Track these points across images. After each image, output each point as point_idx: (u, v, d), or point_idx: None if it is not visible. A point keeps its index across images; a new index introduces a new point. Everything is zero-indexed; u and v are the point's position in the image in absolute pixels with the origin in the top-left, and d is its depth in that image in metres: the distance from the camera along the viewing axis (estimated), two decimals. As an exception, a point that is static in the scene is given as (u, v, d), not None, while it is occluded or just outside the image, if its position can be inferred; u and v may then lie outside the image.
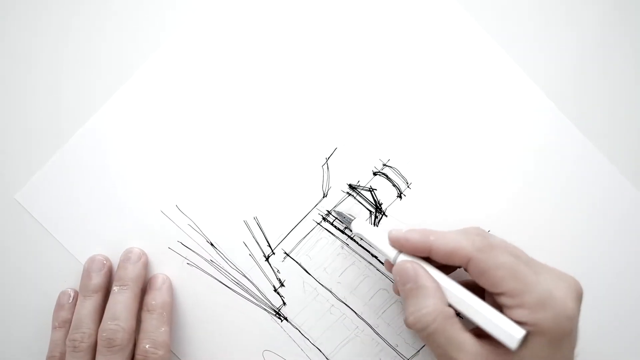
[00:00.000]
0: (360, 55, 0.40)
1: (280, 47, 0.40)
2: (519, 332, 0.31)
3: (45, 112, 0.41)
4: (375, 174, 0.40)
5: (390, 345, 0.41)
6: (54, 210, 0.41)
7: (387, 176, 0.40)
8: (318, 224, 0.41)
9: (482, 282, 0.33)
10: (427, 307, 0.32)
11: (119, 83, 0.40)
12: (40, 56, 0.40)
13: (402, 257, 0.35)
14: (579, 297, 0.32)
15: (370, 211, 0.40)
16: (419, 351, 0.40)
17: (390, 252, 0.35)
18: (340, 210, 0.40)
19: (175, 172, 0.41)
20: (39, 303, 0.41)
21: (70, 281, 0.41)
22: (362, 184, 0.40)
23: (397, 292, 0.38)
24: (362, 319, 0.41)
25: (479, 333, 0.33)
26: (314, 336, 0.41)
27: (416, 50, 0.40)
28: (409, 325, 0.33)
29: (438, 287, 0.33)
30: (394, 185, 0.40)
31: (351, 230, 0.39)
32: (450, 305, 0.33)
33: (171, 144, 0.40)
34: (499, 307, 0.32)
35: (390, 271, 0.37)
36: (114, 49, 0.40)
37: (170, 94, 0.40)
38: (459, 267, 0.35)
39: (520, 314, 0.31)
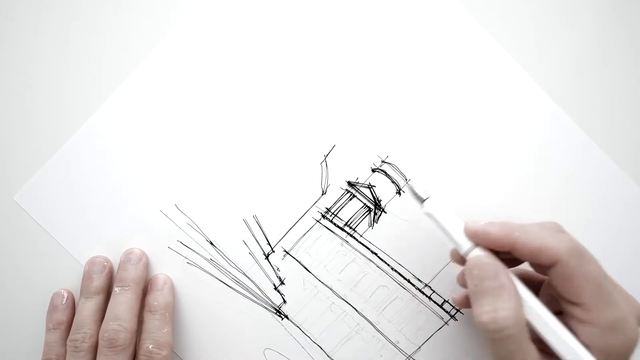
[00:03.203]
0: (358, 52, 0.40)
1: (278, 45, 0.40)
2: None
3: (44, 113, 0.41)
4: (374, 170, 0.41)
5: (391, 342, 0.41)
6: (53, 211, 0.41)
7: (385, 173, 0.41)
8: (317, 221, 0.41)
9: (563, 288, 0.31)
10: (508, 310, 0.30)
11: (117, 83, 0.41)
12: (39, 56, 0.41)
13: (478, 251, 0.33)
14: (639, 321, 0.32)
15: (370, 208, 0.41)
16: (420, 347, 0.40)
17: (464, 244, 0.33)
18: (413, 186, 0.36)
19: (173, 171, 0.41)
20: (38, 304, 0.41)
21: (70, 282, 0.41)
22: (361, 180, 0.41)
23: (463, 283, 0.36)
24: (363, 315, 0.41)
25: (542, 348, 0.31)
26: (314, 334, 0.41)
27: (415, 47, 0.40)
28: (480, 324, 0.31)
29: (517, 291, 0.31)
30: (393, 182, 0.41)
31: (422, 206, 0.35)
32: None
33: (169, 143, 0.41)
34: (565, 316, 0.32)
35: (457, 261, 0.36)
36: (111, 49, 0.41)
37: (168, 93, 0.41)
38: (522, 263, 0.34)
39: (591, 333, 0.30)
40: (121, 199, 0.41)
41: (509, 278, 0.31)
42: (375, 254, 0.41)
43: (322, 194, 0.41)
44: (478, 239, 0.33)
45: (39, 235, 0.41)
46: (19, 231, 0.41)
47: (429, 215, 0.35)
